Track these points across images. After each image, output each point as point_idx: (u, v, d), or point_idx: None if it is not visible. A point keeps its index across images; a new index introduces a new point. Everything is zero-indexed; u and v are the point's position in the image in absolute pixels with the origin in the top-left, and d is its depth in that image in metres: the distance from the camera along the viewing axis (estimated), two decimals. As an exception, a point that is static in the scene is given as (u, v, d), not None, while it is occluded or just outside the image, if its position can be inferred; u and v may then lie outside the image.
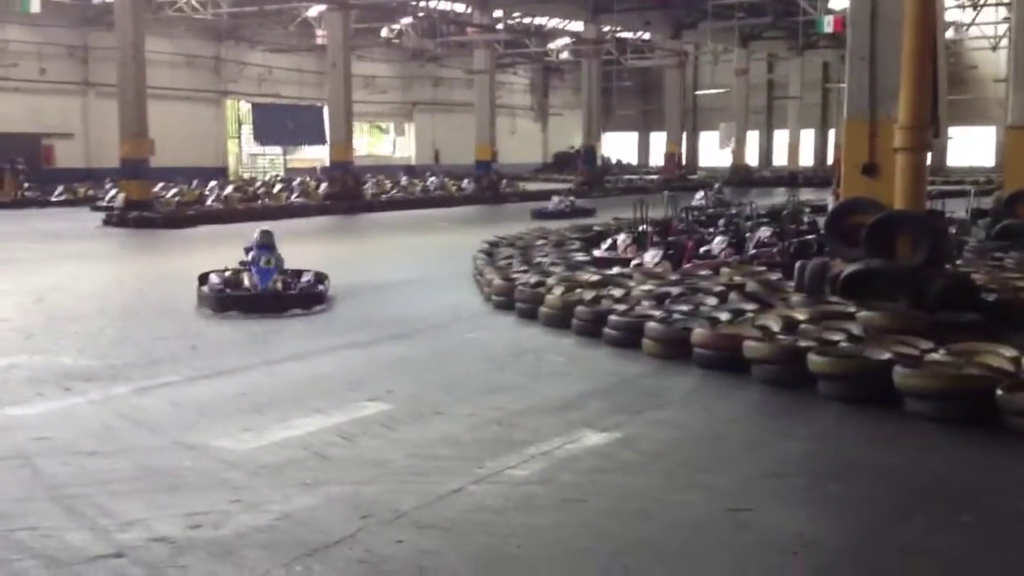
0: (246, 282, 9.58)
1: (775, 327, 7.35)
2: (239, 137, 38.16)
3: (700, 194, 21.69)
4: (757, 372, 6.79)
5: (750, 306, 8.31)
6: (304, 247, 16.51)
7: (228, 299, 9.30)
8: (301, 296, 9.56)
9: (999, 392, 5.59)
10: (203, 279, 9.83)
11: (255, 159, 38.84)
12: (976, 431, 5.63)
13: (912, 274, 7.85)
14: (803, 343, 6.80)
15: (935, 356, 6.36)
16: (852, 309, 7.71)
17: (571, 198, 23.89)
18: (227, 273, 9.88)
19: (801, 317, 7.66)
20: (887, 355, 6.33)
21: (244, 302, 9.28)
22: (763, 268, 10.43)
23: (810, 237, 12.00)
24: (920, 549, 4.10)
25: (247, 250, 10.07)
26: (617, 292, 9.16)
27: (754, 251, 11.73)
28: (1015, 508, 4.62)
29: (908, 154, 8.06)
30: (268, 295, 9.45)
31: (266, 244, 9.86)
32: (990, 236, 13.34)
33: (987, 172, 33.14)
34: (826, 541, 4.19)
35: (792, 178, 37.93)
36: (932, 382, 5.84)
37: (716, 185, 24.63)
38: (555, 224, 17.42)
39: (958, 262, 10.14)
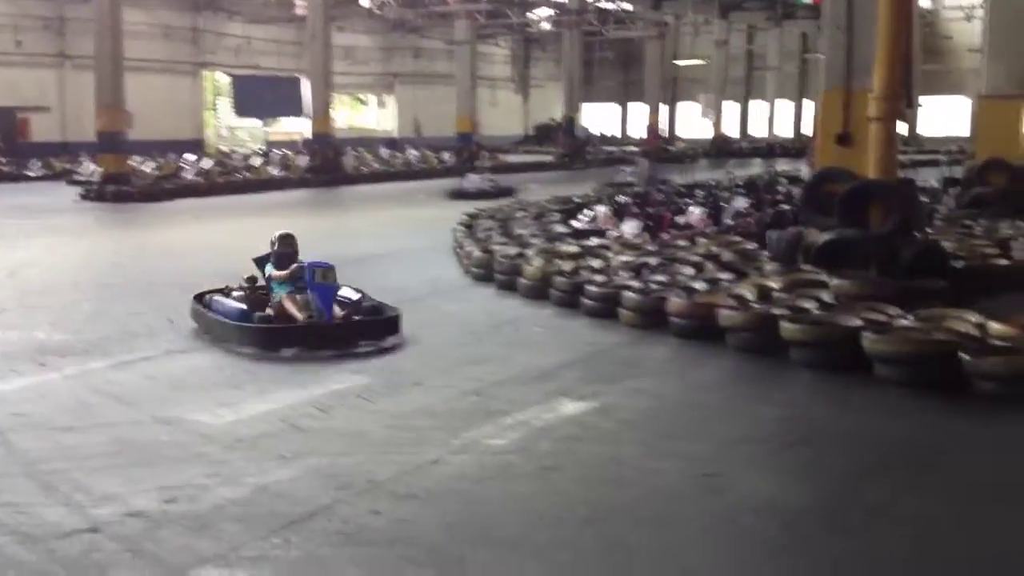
0: (291, 309, 7.02)
1: (749, 296, 7.42)
2: (217, 109, 37.82)
3: (630, 169, 20.70)
4: (732, 340, 6.87)
5: (726, 276, 8.37)
6: (285, 221, 16.46)
7: (281, 333, 6.87)
8: (376, 323, 7.14)
9: (965, 356, 5.68)
10: (203, 301, 7.52)
11: (233, 131, 38.51)
12: (943, 395, 5.73)
13: (883, 242, 7.92)
14: (776, 311, 6.87)
15: (904, 322, 6.44)
16: (825, 277, 7.79)
17: (492, 177, 21.07)
18: (235, 292, 7.56)
19: (775, 286, 7.74)
20: (857, 322, 6.41)
21: (307, 336, 6.85)
22: (739, 238, 10.50)
23: (786, 207, 12.06)
24: (886, 511, 4.18)
25: (260, 261, 7.64)
26: (595, 263, 9.20)
27: (730, 222, 11.79)
28: (978, 471, 4.72)
29: (881, 124, 8.10)
30: (339, 325, 6.98)
31: (291, 251, 7.37)
32: (961, 204, 13.45)
33: (960, 142, 33.28)
34: (795, 504, 4.27)
35: (770, 149, 38.00)
36: (900, 347, 5.93)
37: (643, 161, 23.22)
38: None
39: (929, 230, 10.23)
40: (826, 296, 7.33)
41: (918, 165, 19.54)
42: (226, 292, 7.56)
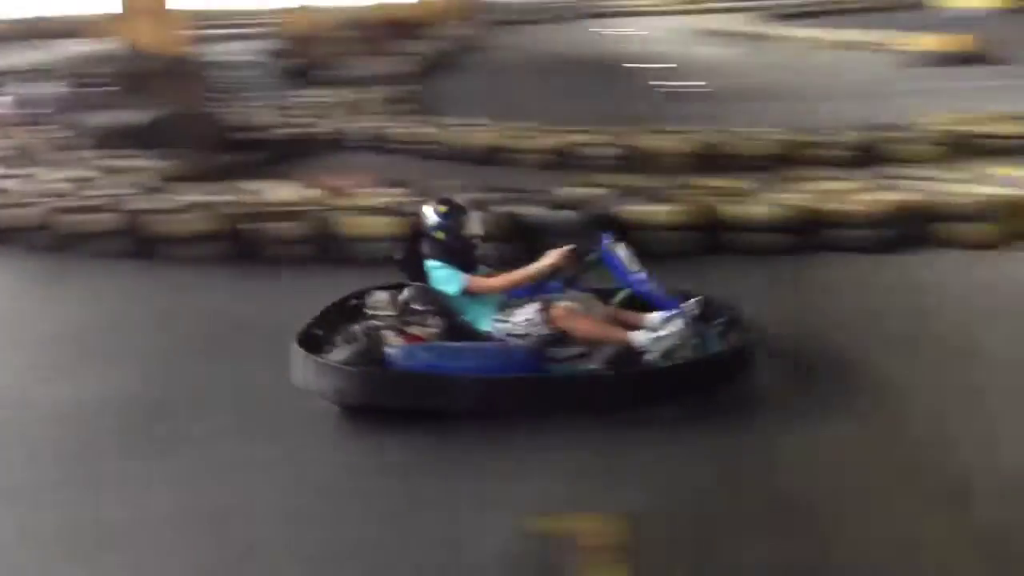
0: (604, 330, 3.80)
1: (20, 190, 6.74)
2: None
3: None
4: (21, 240, 6.19)
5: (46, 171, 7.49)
6: None
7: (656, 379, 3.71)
8: (736, 352, 3.84)
9: (246, 226, 5.85)
10: (322, 345, 3.87)
11: None
12: (241, 266, 5.79)
13: (182, 121, 7.83)
14: (62, 204, 6.28)
15: (191, 199, 6.30)
16: (147, 161, 7.46)
17: None
18: (384, 326, 3.84)
19: (88, 174, 7.18)
20: (148, 205, 6.18)
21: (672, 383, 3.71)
22: (50, 125, 9.56)
23: (99, 90, 11.31)
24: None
25: (408, 263, 3.97)
26: None
27: (29, 110, 10.64)
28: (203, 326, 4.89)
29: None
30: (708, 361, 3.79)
31: (468, 238, 3.97)
32: (276, 77, 13.78)
33: (282, 12, 33.27)
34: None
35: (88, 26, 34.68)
36: (178, 228, 5.91)
37: None
38: None
39: (243, 104, 10.32)
40: (150, 179, 6.98)
41: (232, 39, 19.14)
42: (350, 332, 3.83)
